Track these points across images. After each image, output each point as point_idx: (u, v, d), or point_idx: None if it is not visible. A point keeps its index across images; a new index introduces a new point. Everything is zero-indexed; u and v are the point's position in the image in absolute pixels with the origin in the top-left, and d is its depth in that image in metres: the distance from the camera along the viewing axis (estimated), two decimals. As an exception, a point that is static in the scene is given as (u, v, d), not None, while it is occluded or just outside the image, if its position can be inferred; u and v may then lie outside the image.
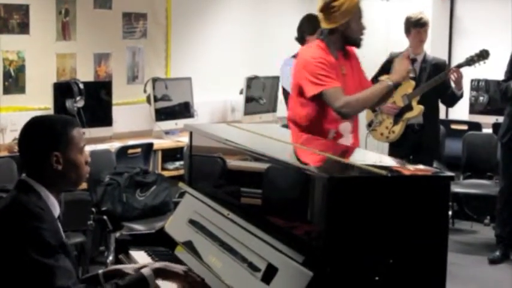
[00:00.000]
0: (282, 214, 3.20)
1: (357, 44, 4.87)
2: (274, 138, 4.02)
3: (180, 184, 4.31)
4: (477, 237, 7.37)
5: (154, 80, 7.37)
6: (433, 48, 7.54)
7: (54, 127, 2.95)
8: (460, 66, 6.45)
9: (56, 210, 2.95)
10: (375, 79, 6.65)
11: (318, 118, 4.60)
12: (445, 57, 8.35)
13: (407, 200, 2.82)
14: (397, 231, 2.82)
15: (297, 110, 4.66)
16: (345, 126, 4.74)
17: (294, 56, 6.35)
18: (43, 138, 2.91)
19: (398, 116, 6.68)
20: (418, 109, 6.61)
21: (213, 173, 4.05)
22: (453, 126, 8.18)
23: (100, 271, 3.03)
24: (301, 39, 6.43)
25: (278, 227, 3.14)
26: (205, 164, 4.20)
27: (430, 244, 2.87)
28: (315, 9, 9.04)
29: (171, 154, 7.17)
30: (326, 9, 4.69)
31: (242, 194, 3.66)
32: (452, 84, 6.56)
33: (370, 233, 2.78)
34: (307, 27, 6.38)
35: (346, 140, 4.74)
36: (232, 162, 3.86)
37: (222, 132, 4.10)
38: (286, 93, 6.38)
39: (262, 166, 3.42)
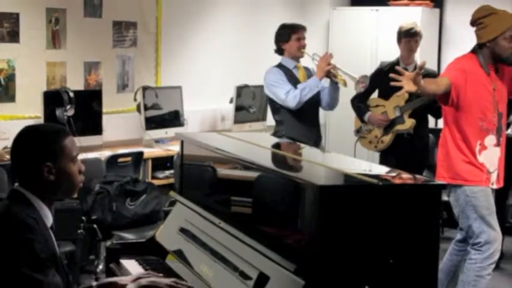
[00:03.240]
0: (273, 223, 3.20)
1: (506, 63, 5.05)
2: (264, 147, 4.03)
3: (171, 193, 4.32)
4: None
5: (145, 89, 7.37)
6: (422, 57, 7.53)
7: (46, 137, 2.93)
8: None
9: (49, 220, 2.94)
10: (368, 84, 6.68)
11: None
12: (434, 66, 8.40)
13: (399, 208, 2.83)
14: (389, 240, 2.83)
15: None
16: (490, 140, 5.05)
17: (278, 66, 6.37)
18: (35, 149, 2.90)
19: (388, 127, 6.69)
20: (409, 122, 6.62)
21: (204, 181, 4.05)
22: (442, 135, 8.18)
23: (94, 283, 3.00)
24: (279, 50, 6.44)
25: (269, 235, 3.14)
26: (196, 172, 4.20)
27: (421, 252, 2.88)
28: (304, 17, 9.19)
29: (161, 163, 7.16)
30: (474, 24, 5.08)
31: (233, 202, 3.66)
32: None
33: (361, 242, 2.79)
34: (281, 36, 6.39)
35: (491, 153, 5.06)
36: (223, 171, 3.87)
37: (213, 141, 4.12)
38: (269, 100, 6.42)
39: (253, 175, 3.43)
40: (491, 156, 5.08)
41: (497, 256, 5.12)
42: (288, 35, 6.35)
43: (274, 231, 3.16)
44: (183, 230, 3.81)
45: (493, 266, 5.14)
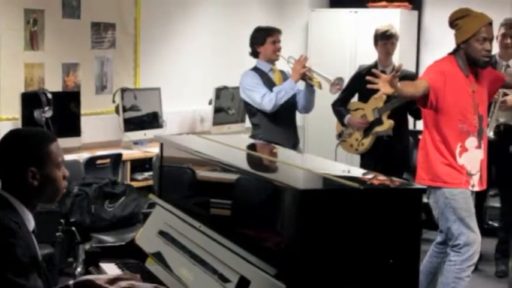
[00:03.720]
0: (254, 226, 3.19)
1: (478, 65, 5.07)
2: (244, 149, 4.02)
3: (151, 196, 4.30)
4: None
5: (123, 90, 7.34)
6: (401, 59, 7.57)
7: (31, 142, 2.91)
8: None
9: (31, 224, 2.92)
10: (345, 91, 6.70)
11: None
12: (413, 68, 8.42)
13: (379, 212, 2.83)
14: (370, 243, 2.83)
15: None
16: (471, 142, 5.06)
17: (253, 69, 6.36)
18: (19, 153, 2.88)
19: (368, 129, 6.71)
20: (388, 123, 6.64)
21: (184, 184, 4.04)
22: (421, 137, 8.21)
23: (71, 282, 2.99)
24: (254, 53, 6.44)
25: (250, 239, 3.13)
26: (176, 175, 4.19)
27: (402, 255, 2.88)
28: (282, 19, 9.19)
29: (139, 164, 7.14)
30: (451, 26, 5.13)
31: (213, 205, 3.65)
32: None
33: (343, 246, 2.79)
34: (256, 39, 6.39)
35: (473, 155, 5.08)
36: (203, 174, 3.85)
37: (192, 144, 4.10)
38: (245, 104, 6.42)
39: (233, 178, 3.42)
40: (472, 158, 5.09)
41: (476, 258, 5.13)
42: (263, 38, 6.35)
43: (255, 234, 3.15)
44: (162, 233, 3.79)
45: (472, 268, 5.15)
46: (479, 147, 5.11)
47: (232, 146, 4.14)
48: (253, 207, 3.22)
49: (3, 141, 2.94)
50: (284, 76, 6.39)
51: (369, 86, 4.90)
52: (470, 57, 5.03)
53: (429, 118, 5.15)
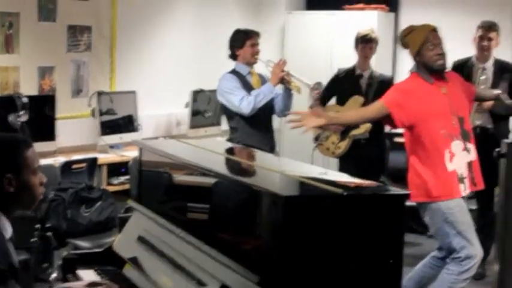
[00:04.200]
0: (235, 233, 3.16)
1: (435, 69, 5.12)
2: (225, 154, 3.99)
3: (129, 201, 4.26)
4: (423, 249, 7.40)
5: (99, 94, 7.29)
6: (378, 61, 7.58)
7: (6, 148, 2.87)
8: None
9: (8, 231, 2.88)
10: (323, 93, 6.70)
11: None
12: (389, 71, 8.43)
13: (363, 218, 2.82)
14: (353, 249, 2.82)
15: None
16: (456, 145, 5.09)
17: (232, 72, 6.35)
18: None
19: (344, 133, 6.71)
20: (364, 127, 6.65)
21: (163, 190, 4.00)
22: (397, 140, 8.21)
23: None
24: (233, 55, 6.43)
25: (232, 245, 3.10)
26: (155, 180, 4.15)
27: (385, 261, 2.87)
28: (259, 21, 9.17)
29: (115, 168, 7.09)
30: (403, 46, 5.26)
31: (193, 211, 3.62)
32: None
33: (326, 252, 2.77)
34: (235, 42, 6.39)
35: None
36: (183, 179, 3.82)
37: (172, 149, 4.07)
38: (223, 107, 6.41)
39: (214, 183, 3.39)
40: (461, 161, 5.10)
41: (473, 272, 5.15)
42: (242, 41, 6.34)
43: (237, 241, 3.12)
44: (141, 239, 3.76)
45: (468, 281, 5.16)
46: (465, 149, 5.12)
47: (211, 150, 4.12)
48: (235, 214, 3.20)
49: None
50: (262, 79, 6.38)
51: (292, 126, 5.09)
52: (427, 66, 5.12)
53: (410, 137, 5.17)
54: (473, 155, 5.20)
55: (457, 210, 5.10)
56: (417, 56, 5.11)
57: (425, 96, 5.08)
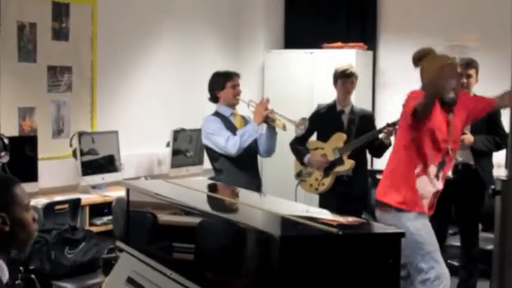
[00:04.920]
0: (227, 273, 3.15)
1: (444, 102, 5.18)
2: (213, 194, 3.98)
3: (117, 243, 4.23)
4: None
5: (81, 134, 7.26)
6: (358, 98, 7.62)
7: None
8: (394, 124, 6.46)
9: (5, 275, 2.84)
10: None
11: None
12: (369, 108, 8.48)
13: (358, 257, 2.81)
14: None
15: None
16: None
17: (215, 114, 6.35)
18: None
19: (328, 169, 6.72)
20: (349, 164, 6.67)
21: (152, 229, 3.98)
22: (379, 176, 8.23)
23: None
24: (213, 97, 6.43)
25: (222, 286, 3.09)
26: (142, 220, 4.13)
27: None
28: (238, 60, 9.21)
29: (98, 209, 7.05)
30: (414, 63, 5.27)
31: (183, 251, 3.60)
32: (381, 135, 6.63)
33: (322, 292, 2.76)
34: (215, 84, 6.39)
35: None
36: (172, 219, 3.80)
37: (160, 189, 4.05)
38: (207, 149, 6.38)
39: (204, 223, 3.38)
40: (426, 185, 5.19)
41: None
42: (223, 83, 6.34)
43: (228, 282, 3.11)
44: (130, 281, 3.73)
45: None
46: (437, 177, 5.18)
47: (198, 190, 4.11)
48: (227, 254, 3.18)
49: None
50: (245, 121, 6.39)
51: None
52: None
53: (407, 136, 5.20)
54: (440, 186, 5.29)
55: (425, 231, 5.16)
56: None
57: (437, 115, 5.14)
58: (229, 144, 6.09)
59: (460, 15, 8.55)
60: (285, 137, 6.67)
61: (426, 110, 4.92)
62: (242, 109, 6.59)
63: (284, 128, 6.14)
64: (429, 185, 5.22)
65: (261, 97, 9.06)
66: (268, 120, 6.18)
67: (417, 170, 5.17)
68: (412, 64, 5.30)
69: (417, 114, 4.96)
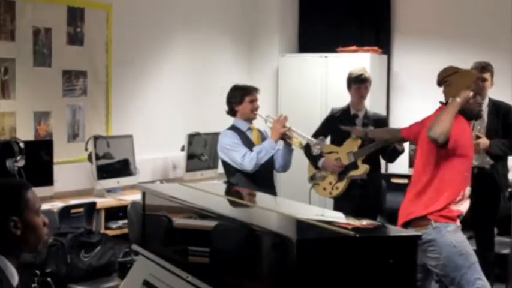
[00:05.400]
0: (243, 276, 3.15)
1: (472, 117, 5.29)
2: (230, 198, 3.99)
3: (134, 246, 4.25)
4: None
5: (96, 138, 7.29)
6: (372, 102, 7.62)
7: (8, 191, 2.88)
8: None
9: (15, 279, 2.86)
10: (317, 134, 6.71)
11: None
12: (383, 112, 8.46)
13: (375, 259, 2.81)
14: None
15: None
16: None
17: (231, 128, 6.35)
18: None
19: (342, 173, 6.70)
20: (363, 168, 6.64)
21: (168, 232, 3.99)
22: (394, 180, 8.24)
23: None
24: (231, 110, 6.43)
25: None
26: (159, 223, 4.14)
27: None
28: (252, 64, 9.23)
29: (113, 212, 7.07)
30: (439, 83, 5.28)
31: (199, 254, 3.61)
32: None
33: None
34: (234, 98, 6.38)
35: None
36: (188, 222, 3.81)
37: (177, 192, 4.06)
38: (224, 163, 6.37)
39: (220, 227, 3.38)
40: (466, 206, 5.17)
41: None
42: (241, 97, 6.34)
43: (246, 286, 3.11)
44: (147, 284, 3.74)
45: None
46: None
47: (213, 193, 4.12)
48: (246, 258, 3.18)
49: None
50: (262, 135, 6.40)
51: None
52: (465, 110, 5.15)
53: (441, 160, 5.17)
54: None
55: (466, 243, 5.17)
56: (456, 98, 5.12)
57: (469, 137, 5.21)
58: (246, 160, 6.09)
59: (474, 18, 8.52)
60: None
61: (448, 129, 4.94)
62: (259, 123, 6.58)
63: (301, 145, 6.16)
64: (467, 205, 5.24)
65: (275, 103, 9.13)
66: (285, 138, 6.18)
67: (458, 197, 5.17)
68: (437, 83, 5.30)
69: (444, 143, 4.99)
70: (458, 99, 5.02)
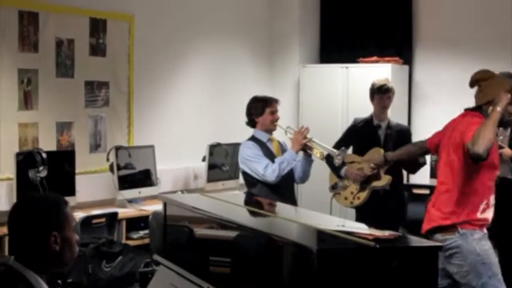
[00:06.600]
0: (265, 287, 3.15)
1: (503, 124, 5.25)
2: (251, 208, 3.99)
3: (155, 256, 4.26)
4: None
5: (117, 149, 7.33)
6: (393, 113, 7.60)
7: (50, 206, 2.88)
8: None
9: None
10: (339, 144, 6.70)
11: None
12: (405, 122, 8.44)
13: (395, 270, 2.80)
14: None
15: None
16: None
17: (252, 139, 6.35)
18: (40, 219, 2.84)
19: (364, 183, 6.67)
20: (386, 179, 6.61)
21: (190, 243, 4.00)
22: (415, 191, 8.21)
23: None
24: (251, 122, 6.42)
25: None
26: (180, 234, 4.15)
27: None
28: (273, 75, 9.24)
29: (134, 223, 7.09)
30: (471, 84, 5.20)
31: (220, 265, 3.61)
32: None
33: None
34: (254, 110, 6.36)
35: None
36: (210, 232, 3.82)
37: (198, 203, 4.07)
38: (245, 174, 6.36)
39: (241, 238, 3.39)
40: (491, 214, 5.15)
41: None
42: (262, 109, 6.31)
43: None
44: (168, 294, 3.75)
45: None
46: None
47: (234, 203, 4.12)
48: (265, 267, 3.18)
49: (18, 208, 2.90)
50: (282, 147, 6.39)
51: None
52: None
53: (466, 169, 5.13)
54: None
55: (491, 252, 5.09)
56: (486, 105, 5.05)
57: (495, 145, 5.14)
58: (268, 171, 6.08)
59: (495, 27, 8.49)
60: (324, 165, 6.66)
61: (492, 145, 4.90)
62: (277, 134, 6.57)
63: (322, 156, 6.14)
64: (491, 214, 5.22)
65: (296, 114, 9.13)
66: (306, 149, 6.17)
67: (483, 206, 5.14)
68: (469, 84, 5.24)
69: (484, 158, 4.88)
70: (498, 108, 4.89)
